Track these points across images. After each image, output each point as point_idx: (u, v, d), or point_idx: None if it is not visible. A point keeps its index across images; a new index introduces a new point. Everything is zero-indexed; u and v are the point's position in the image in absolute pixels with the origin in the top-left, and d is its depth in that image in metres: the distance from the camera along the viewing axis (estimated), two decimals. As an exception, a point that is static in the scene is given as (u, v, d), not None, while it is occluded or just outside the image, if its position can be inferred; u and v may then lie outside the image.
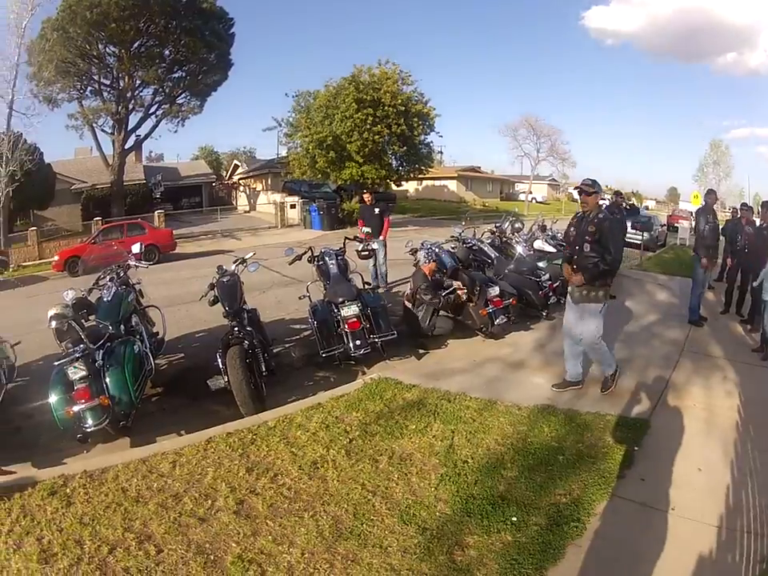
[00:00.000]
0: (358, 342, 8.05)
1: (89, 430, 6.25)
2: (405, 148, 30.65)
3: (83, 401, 6.18)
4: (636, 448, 5.64)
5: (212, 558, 4.22)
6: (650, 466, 5.36)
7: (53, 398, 6.31)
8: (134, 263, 9.04)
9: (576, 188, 7.34)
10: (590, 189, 6.79)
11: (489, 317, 8.88)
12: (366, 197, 14.59)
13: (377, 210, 13.71)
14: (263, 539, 4.38)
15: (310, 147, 30.01)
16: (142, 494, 5.15)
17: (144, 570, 4.18)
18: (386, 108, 28.92)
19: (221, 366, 7.03)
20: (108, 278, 8.53)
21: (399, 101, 29.31)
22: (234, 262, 8.58)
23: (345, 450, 5.64)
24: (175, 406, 7.74)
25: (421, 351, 8.88)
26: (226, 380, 6.90)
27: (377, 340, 8.23)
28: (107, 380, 6.44)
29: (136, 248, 9.44)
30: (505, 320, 8.91)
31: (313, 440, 5.89)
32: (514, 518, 4.46)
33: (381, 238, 13.25)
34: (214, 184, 56.60)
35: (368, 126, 28.66)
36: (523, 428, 5.99)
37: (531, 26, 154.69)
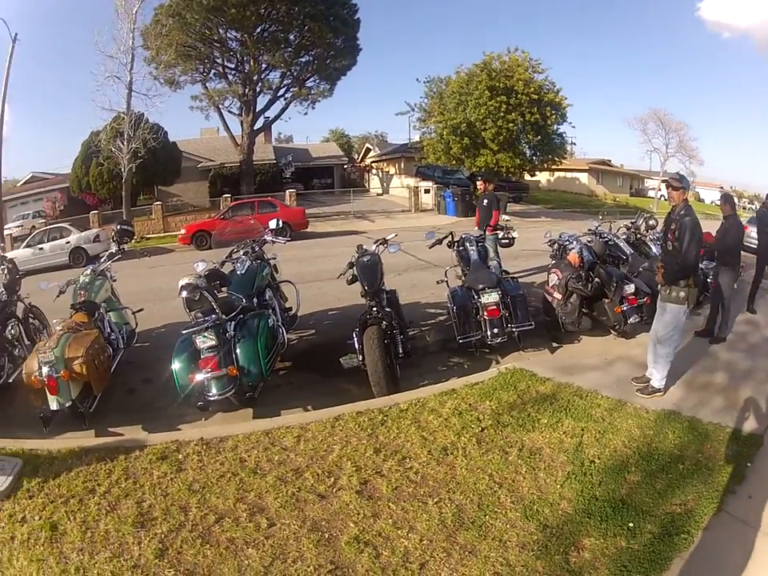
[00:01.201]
0: (495, 331, 7.93)
1: (211, 398, 6.46)
2: (538, 137, 30.27)
3: (209, 370, 6.39)
4: (748, 464, 5.33)
5: (326, 536, 4.24)
6: (759, 483, 5.06)
7: (176, 365, 6.56)
8: (270, 238, 9.31)
9: (663, 181, 7.04)
10: (676, 183, 6.49)
11: (623, 315, 8.56)
12: (480, 185, 14.34)
13: (485, 201, 13.32)
14: (383, 522, 4.35)
15: (445, 133, 30.10)
16: (260, 466, 5.24)
17: (251, 542, 4.25)
18: (519, 96, 28.64)
19: (356, 344, 7.10)
20: (242, 251, 8.88)
21: (532, 89, 28.99)
22: (375, 242, 8.62)
23: (476, 438, 5.54)
24: (304, 382, 7.89)
25: (554, 345, 8.69)
26: (361, 359, 6.99)
27: (514, 329, 8.08)
28: (238, 351, 6.64)
29: (273, 224, 9.64)
30: (638, 319, 8.53)
31: (444, 426, 5.81)
32: (631, 524, 4.34)
33: (487, 230, 12.58)
34: (345, 166, 57.53)
35: (502, 114, 28.47)
36: (649, 432, 5.76)
37: (646, 17, 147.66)
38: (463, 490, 4.72)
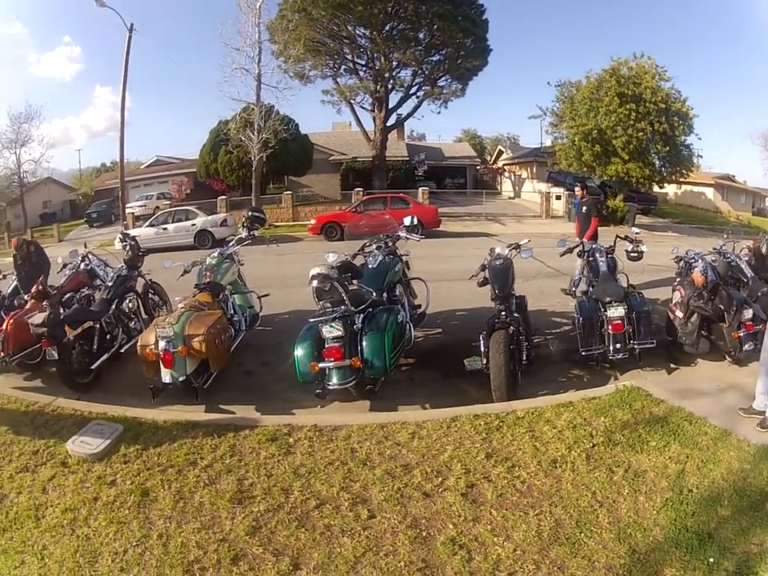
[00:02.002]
0: (618, 346, 7.76)
1: (331, 387, 6.64)
2: (667, 148, 29.30)
3: (333, 359, 6.57)
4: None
5: (424, 534, 4.29)
6: None
7: (299, 352, 6.81)
8: (404, 235, 9.38)
9: None
10: None
11: (739, 341, 8.18)
12: (577, 191, 14.06)
13: (584, 209, 13.07)
14: (482, 527, 4.35)
15: (576, 139, 29.76)
16: (371, 458, 5.37)
17: (347, 531, 4.36)
18: (648, 104, 28.01)
19: (482, 347, 7.09)
20: (375, 246, 9.02)
21: (659, 97, 28.26)
22: (508, 246, 8.56)
23: (586, 453, 5.46)
24: (425, 379, 7.94)
25: (672, 365, 8.40)
26: (485, 362, 6.97)
27: (636, 346, 7.88)
28: (364, 344, 6.77)
29: (407, 220, 9.68)
30: (752, 346, 8.22)
31: (558, 438, 5.75)
32: (711, 559, 4.15)
33: (585, 239, 12.19)
34: (478, 167, 57.55)
35: (631, 122, 27.94)
36: (747, 466, 5.47)
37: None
38: (565, 504, 4.66)
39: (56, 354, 8.04)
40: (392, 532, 4.31)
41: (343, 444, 5.61)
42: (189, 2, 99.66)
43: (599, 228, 12.88)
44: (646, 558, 4.16)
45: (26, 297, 10.31)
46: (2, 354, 8.79)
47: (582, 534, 4.31)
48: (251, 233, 10.13)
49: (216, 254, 9.43)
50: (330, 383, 6.62)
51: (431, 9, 36.20)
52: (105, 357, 8.66)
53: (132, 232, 17.96)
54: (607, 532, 4.35)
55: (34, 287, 9.66)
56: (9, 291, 11.38)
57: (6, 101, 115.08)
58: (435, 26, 37.16)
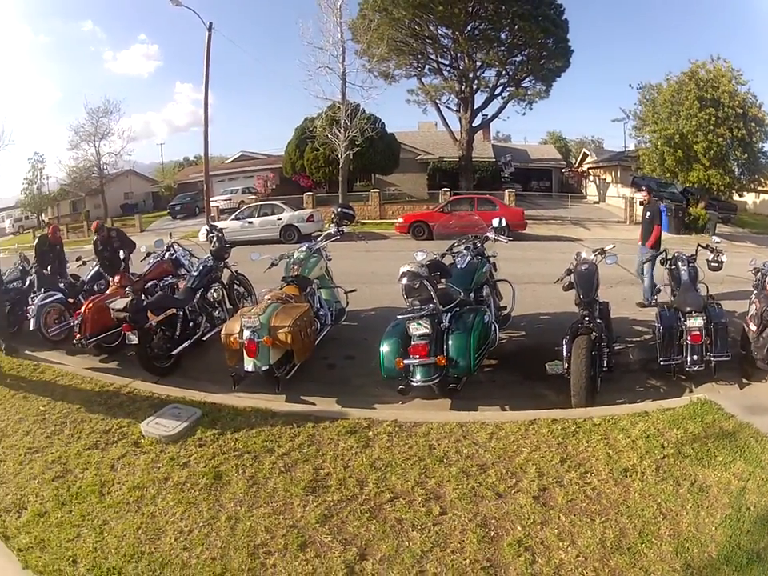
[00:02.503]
0: (695, 357, 7.63)
1: (414, 384, 6.73)
2: (745, 155, 28.38)
3: (418, 356, 6.65)
4: None
5: (492, 534, 4.32)
6: None
7: (385, 348, 6.94)
8: (493, 236, 9.39)
9: None
10: None
11: None
12: (643, 195, 13.86)
13: (648, 214, 12.83)
14: (549, 531, 4.37)
15: (659, 143, 29.04)
16: (448, 456, 5.41)
17: (417, 525, 4.42)
18: (726, 109, 27.05)
19: (564, 352, 7.08)
20: (463, 246, 9.07)
21: (737, 102, 27.29)
22: (594, 252, 8.55)
23: (656, 465, 5.38)
24: (505, 381, 7.97)
25: (744, 381, 8.14)
26: (566, 367, 6.97)
27: (712, 359, 7.71)
28: (450, 342, 6.83)
29: (496, 222, 9.70)
30: None
31: (631, 447, 5.70)
32: None
33: (647, 245, 12.27)
34: (563, 170, 56.61)
35: (711, 127, 27.08)
36: None
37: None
38: (630, 514, 4.62)
39: (136, 339, 8.39)
40: (461, 529, 4.37)
41: (422, 440, 5.70)
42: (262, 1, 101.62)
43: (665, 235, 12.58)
44: (698, 574, 4.13)
45: (109, 280, 10.84)
46: (78, 336, 9.22)
47: (643, 545, 4.30)
48: (340, 229, 10.28)
49: (304, 249, 9.57)
50: (414, 380, 6.71)
51: (511, 9, 35.92)
52: (186, 344, 9.08)
53: (218, 224, 18.42)
54: (667, 545, 4.31)
55: (118, 275, 10.09)
56: (89, 277, 11.97)
57: (82, 95, 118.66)
58: (516, 27, 36.81)
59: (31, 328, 10.57)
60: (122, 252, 11.88)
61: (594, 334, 7.04)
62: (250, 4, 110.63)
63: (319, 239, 10.04)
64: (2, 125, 78.31)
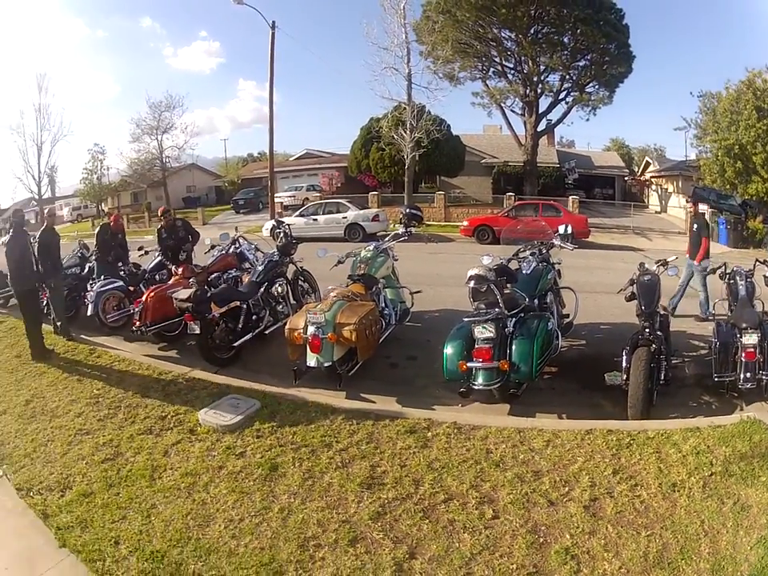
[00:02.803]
0: (748, 374, 7.44)
1: (475, 387, 6.75)
2: None
3: (481, 360, 6.67)
4: None
5: (540, 540, 4.35)
6: None
7: (449, 350, 6.98)
8: (559, 243, 9.27)
9: None
10: None
11: None
12: (690, 207, 13.72)
13: (695, 226, 12.27)
14: (596, 541, 4.38)
15: (719, 154, 28.39)
16: (504, 461, 5.45)
17: (469, 528, 4.46)
18: None
19: (624, 363, 7.01)
20: (529, 252, 9.07)
21: None
22: (657, 263, 8.49)
23: (703, 481, 5.33)
24: (564, 389, 7.96)
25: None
26: (625, 378, 6.91)
27: (764, 377, 7.50)
28: (513, 348, 6.84)
29: (562, 229, 9.59)
30: None
31: (681, 462, 5.66)
32: None
33: (695, 261, 11.75)
34: (626, 179, 55.85)
35: None
36: None
37: None
38: (675, 529, 4.60)
39: (198, 329, 8.66)
40: (511, 534, 4.40)
41: (479, 444, 5.73)
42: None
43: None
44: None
45: (171, 270, 11.20)
46: (138, 323, 9.49)
47: (683, 561, 4.28)
48: (408, 229, 10.35)
49: (372, 248, 9.67)
50: (476, 383, 6.72)
51: (573, 12, 35.53)
52: (248, 336, 9.30)
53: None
54: (705, 562, 4.30)
55: (181, 266, 10.45)
56: (151, 266, 12.33)
57: (141, 89, 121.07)
58: (578, 30, 36.31)
59: (89, 313, 10.99)
60: (188, 242, 12.17)
61: (654, 346, 6.98)
62: (312, 3, 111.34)
63: (386, 239, 10.12)
64: (60, 116, 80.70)
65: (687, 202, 15.05)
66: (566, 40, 38.31)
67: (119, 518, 4.97)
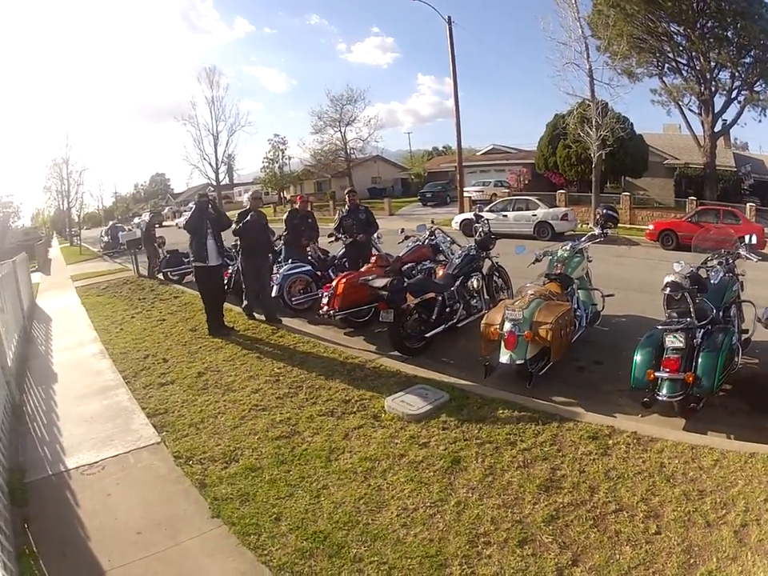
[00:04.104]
0: None
1: (659, 398, 6.41)
2: None
3: (669, 370, 6.38)
4: None
5: (691, 561, 4.13)
6: None
7: (639, 357, 6.68)
8: (745, 253, 8.51)
9: None
10: None
11: None
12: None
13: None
14: (734, 567, 4.06)
15: None
16: (675, 477, 5.19)
17: (632, 540, 4.31)
18: None
19: None
20: (716, 261, 8.49)
21: None
22: None
23: None
24: (735, 409, 7.23)
25: None
26: None
27: None
28: (699, 360, 6.43)
29: (748, 238, 8.78)
30: None
31: None
32: None
33: None
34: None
35: None
36: None
37: None
38: None
39: (391, 317, 8.86)
40: (668, 552, 4.20)
41: (655, 457, 5.49)
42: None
43: None
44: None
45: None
46: (326, 307, 9.88)
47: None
48: (604, 231, 10.05)
49: (568, 247, 9.49)
50: (660, 394, 6.41)
51: (731, 5, 33.28)
52: (441, 328, 9.37)
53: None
54: None
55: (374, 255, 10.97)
56: (340, 253, 12.80)
57: (315, 84, 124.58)
58: (738, 25, 33.92)
59: (273, 294, 11.45)
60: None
61: None
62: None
63: (583, 239, 10.00)
64: (237, 108, 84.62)
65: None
66: (729, 35, 35.79)
67: (285, 495, 5.14)
